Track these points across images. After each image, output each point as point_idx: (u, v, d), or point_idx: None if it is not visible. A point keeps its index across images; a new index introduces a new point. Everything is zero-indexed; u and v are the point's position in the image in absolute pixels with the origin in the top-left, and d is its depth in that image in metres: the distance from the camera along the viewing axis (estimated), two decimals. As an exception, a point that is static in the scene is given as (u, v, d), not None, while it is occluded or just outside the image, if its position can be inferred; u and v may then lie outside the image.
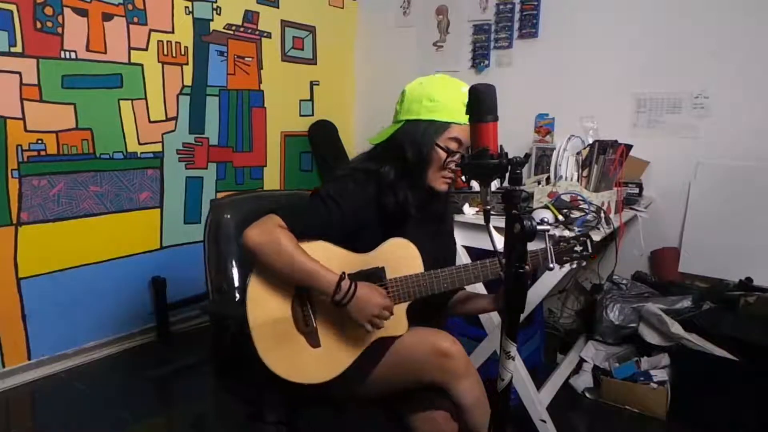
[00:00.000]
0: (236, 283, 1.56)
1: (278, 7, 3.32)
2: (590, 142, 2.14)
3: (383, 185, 1.34)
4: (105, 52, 2.57)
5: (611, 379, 2.36)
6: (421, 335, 1.33)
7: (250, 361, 1.28)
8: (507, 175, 0.91)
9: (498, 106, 0.93)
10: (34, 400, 2.38)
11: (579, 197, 1.93)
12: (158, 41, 2.77)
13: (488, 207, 0.96)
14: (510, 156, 0.90)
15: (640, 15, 2.81)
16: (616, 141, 2.13)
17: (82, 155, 2.56)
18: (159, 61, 2.79)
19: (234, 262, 1.54)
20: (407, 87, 1.40)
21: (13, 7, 2.26)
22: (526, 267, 0.89)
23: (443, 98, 1.32)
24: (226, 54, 3.08)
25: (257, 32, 3.23)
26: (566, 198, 1.94)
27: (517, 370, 1.96)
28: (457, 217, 1.96)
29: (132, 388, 2.46)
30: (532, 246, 0.92)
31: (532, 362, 2.44)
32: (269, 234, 1.25)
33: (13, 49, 2.28)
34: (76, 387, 2.44)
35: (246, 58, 3.19)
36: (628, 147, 2.28)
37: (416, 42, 3.59)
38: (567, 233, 1.39)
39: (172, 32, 2.82)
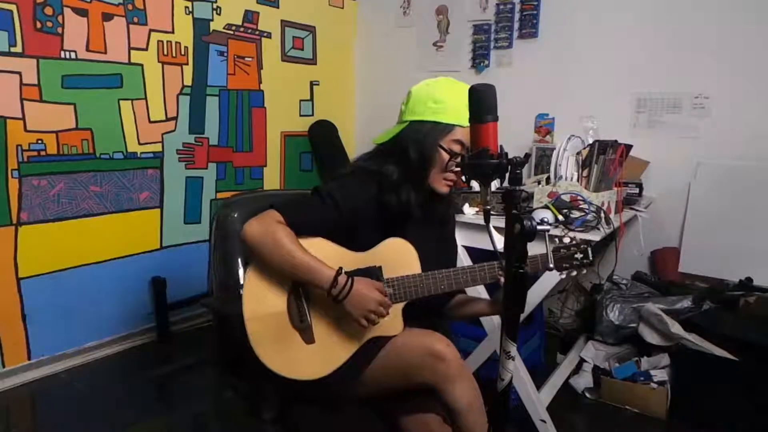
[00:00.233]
0: (241, 281, 1.57)
1: (278, 7, 3.32)
2: (590, 142, 2.14)
3: (385, 185, 1.34)
4: (105, 52, 2.57)
5: (611, 379, 2.36)
6: (416, 336, 1.32)
7: (248, 356, 1.29)
8: (507, 175, 0.91)
9: (498, 106, 0.93)
10: (34, 400, 2.38)
11: (579, 197, 1.93)
12: (158, 41, 2.77)
13: (488, 207, 0.95)
14: (510, 156, 0.90)
15: (640, 15, 2.81)
16: (616, 141, 2.13)
17: (82, 155, 2.56)
18: (159, 61, 2.79)
19: (240, 260, 1.55)
20: (413, 88, 1.40)
21: (13, 7, 2.26)
22: (526, 267, 0.88)
23: (448, 100, 1.32)
24: (226, 54, 3.08)
25: (257, 32, 3.23)
26: (566, 198, 1.94)
27: (517, 370, 1.96)
28: (457, 217, 1.96)
29: (132, 388, 2.47)
30: (532, 250, 0.92)
31: (532, 362, 2.44)
32: (267, 228, 1.26)
33: (13, 49, 2.28)
34: (76, 387, 2.45)
35: (246, 58, 3.19)
36: (628, 147, 2.28)
37: (416, 42, 3.59)
38: (567, 240, 1.38)
39: (172, 32, 2.82)
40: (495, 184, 1.84)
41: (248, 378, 1.49)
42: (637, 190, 2.59)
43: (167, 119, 2.87)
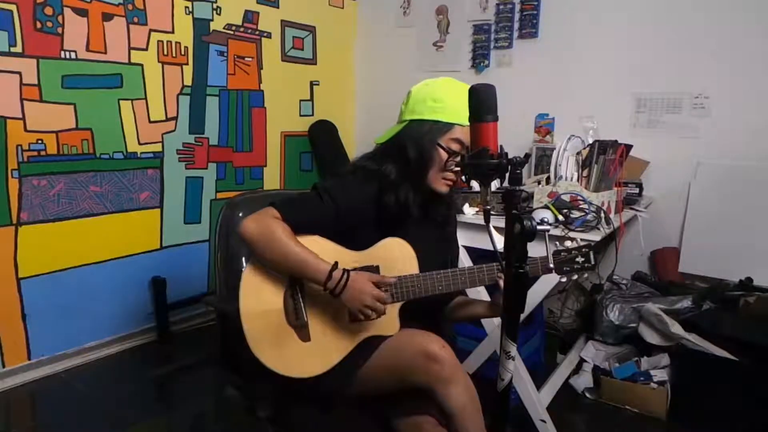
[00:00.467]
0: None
1: (278, 7, 3.32)
2: (590, 142, 2.14)
3: (385, 184, 1.34)
4: (105, 52, 2.57)
5: (611, 379, 2.36)
6: (411, 336, 1.30)
7: (245, 353, 1.29)
8: (507, 175, 0.90)
9: (498, 106, 0.93)
10: (34, 400, 2.38)
11: (579, 197, 1.93)
12: (158, 41, 2.77)
13: (488, 207, 0.95)
14: (510, 156, 0.90)
15: (640, 15, 2.81)
16: (616, 141, 2.13)
17: (82, 155, 2.56)
18: (159, 61, 2.79)
19: (243, 259, 1.56)
20: (413, 88, 1.40)
21: (13, 7, 2.26)
22: (526, 267, 0.88)
23: (448, 99, 1.32)
24: (226, 54, 3.08)
25: (257, 32, 3.23)
26: (566, 198, 1.94)
27: (517, 370, 1.96)
28: (458, 217, 1.96)
29: (132, 388, 2.47)
30: (532, 252, 0.92)
31: (532, 362, 2.44)
32: (264, 224, 1.27)
33: (13, 49, 2.28)
34: (76, 387, 2.45)
35: (246, 58, 3.19)
36: (628, 147, 2.28)
37: (416, 42, 3.59)
38: (569, 243, 1.38)
39: (172, 32, 2.82)
40: (495, 184, 1.85)
41: (245, 375, 1.50)
42: (637, 190, 2.59)
43: (167, 119, 2.87)
